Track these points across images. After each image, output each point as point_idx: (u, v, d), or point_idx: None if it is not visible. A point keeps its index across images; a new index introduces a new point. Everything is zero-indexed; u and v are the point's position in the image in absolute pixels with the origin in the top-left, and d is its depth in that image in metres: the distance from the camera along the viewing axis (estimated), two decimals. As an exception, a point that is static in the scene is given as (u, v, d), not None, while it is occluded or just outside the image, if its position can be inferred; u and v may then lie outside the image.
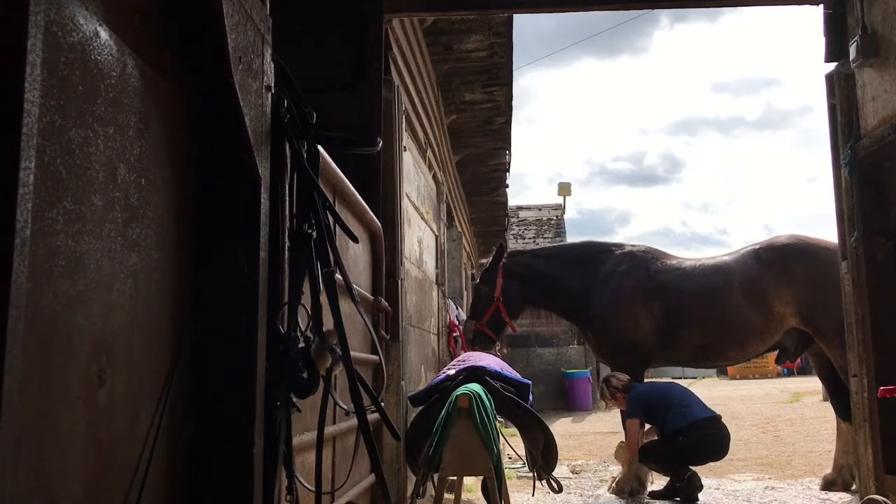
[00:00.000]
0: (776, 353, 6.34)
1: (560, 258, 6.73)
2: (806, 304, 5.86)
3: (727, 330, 6.06)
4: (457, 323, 8.14)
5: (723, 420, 5.86)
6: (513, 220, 21.29)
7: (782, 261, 6.03)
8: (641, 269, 6.40)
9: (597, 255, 6.61)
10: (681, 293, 6.16)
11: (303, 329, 2.08)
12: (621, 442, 6.13)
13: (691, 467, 5.68)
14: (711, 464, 6.07)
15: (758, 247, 6.26)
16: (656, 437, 5.98)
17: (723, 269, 6.22)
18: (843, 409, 5.69)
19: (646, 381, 6.39)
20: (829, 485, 5.83)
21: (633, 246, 6.72)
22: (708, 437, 5.72)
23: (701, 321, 6.08)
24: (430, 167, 6.98)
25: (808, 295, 5.85)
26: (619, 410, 6.38)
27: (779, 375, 27.52)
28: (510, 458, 7.05)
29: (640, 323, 6.20)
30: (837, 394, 5.85)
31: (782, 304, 5.93)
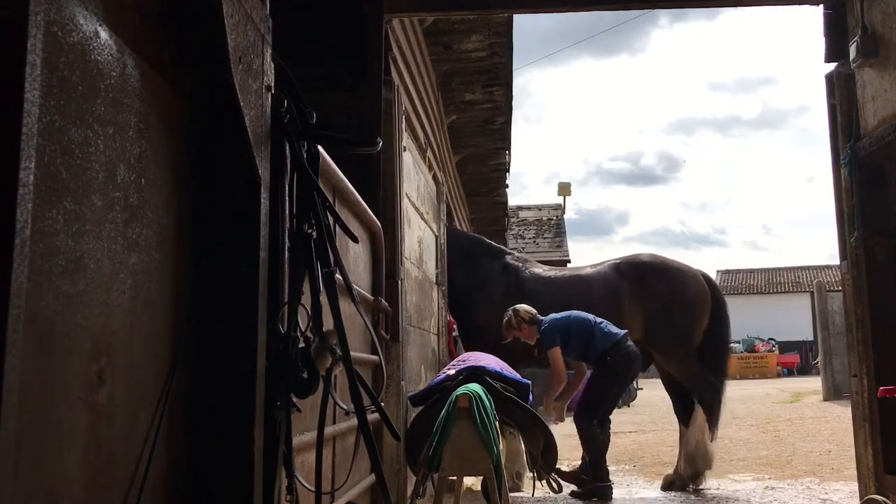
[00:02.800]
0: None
1: (452, 248, 6.77)
2: (649, 318, 6.20)
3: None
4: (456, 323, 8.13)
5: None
6: (512, 220, 21.27)
7: (639, 276, 6.34)
8: (512, 277, 6.59)
9: (478, 258, 6.79)
10: (546, 302, 6.22)
11: (303, 329, 2.08)
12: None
13: (607, 478, 5.56)
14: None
15: (618, 261, 6.58)
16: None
17: (585, 280, 6.50)
18: (682, 414, 6.20)
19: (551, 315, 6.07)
20: (668, 485, 5.95)
21: (508, 253, 6.94)
22: (632, 353, 5.74)
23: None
24: (430, 167, 6.97)
25: (653, 310, 6.20)
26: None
27: (779, 375, 27.55)
28: (510, 458, 7.04)
29: None
30: (678, 400, 6.31)
31: (632, 318, 6.21)
